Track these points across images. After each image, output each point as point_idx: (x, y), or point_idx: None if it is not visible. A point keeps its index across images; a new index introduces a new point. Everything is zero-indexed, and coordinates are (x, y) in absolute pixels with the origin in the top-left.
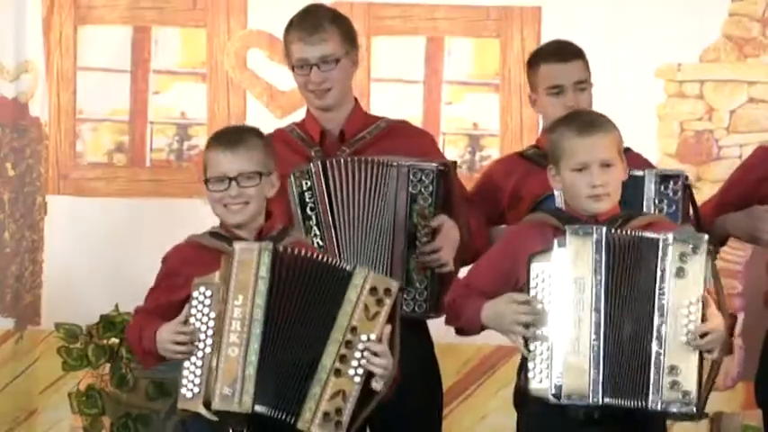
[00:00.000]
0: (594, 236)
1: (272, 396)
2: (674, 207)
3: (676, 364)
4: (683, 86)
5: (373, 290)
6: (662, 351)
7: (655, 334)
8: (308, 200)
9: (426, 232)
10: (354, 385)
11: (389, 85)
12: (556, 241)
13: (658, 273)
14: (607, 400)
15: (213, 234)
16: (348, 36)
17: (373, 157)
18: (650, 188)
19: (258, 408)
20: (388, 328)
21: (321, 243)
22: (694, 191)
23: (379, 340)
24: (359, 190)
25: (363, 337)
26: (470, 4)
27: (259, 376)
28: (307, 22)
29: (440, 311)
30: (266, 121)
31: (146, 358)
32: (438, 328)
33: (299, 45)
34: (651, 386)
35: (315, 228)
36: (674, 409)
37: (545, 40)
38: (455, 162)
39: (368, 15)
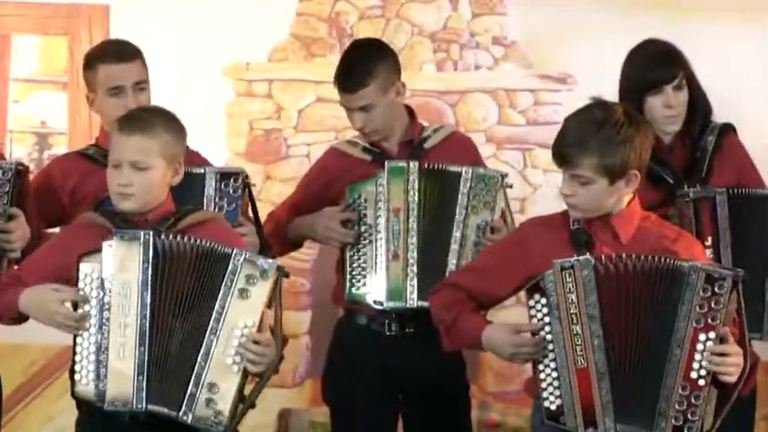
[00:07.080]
0: (141, 240)
1: None
2: (234, 205)
3: (216, 382)
4: (251, 85)
5: None
6: (205, 367)
7: (203, 349)
8: None
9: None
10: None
11: None
12: (105, 243)
13: (222, 290)
14: (150, 407)
15: None
16: None
17: None
18: (211, 185)
19: None
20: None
21: None
22: (262, 189)
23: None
24: None
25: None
26: (37, 2)
27: None
28: None
29: None
30: None
31: None
32: (2, 328)
33: None
34: (186, 399)
35: None
36: (203, 426)
37: (114, 37)
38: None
39: None
